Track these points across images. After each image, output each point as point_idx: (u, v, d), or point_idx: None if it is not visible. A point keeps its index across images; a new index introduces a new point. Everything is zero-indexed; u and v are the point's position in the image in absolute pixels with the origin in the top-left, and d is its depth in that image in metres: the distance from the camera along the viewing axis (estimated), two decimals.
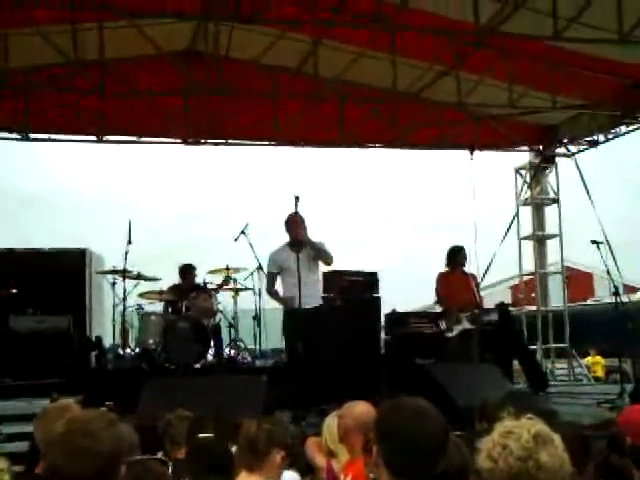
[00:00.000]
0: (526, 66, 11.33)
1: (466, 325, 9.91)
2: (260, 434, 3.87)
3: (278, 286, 9.04)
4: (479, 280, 11.32)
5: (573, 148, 14.35)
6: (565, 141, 14.35)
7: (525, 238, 14.84)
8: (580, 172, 14.01)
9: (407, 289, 10.80)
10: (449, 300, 10.13)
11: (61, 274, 11.21)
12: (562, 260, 14.88)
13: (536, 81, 11.60)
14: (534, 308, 14.64)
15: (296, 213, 8.69)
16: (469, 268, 12.87)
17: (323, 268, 9.21)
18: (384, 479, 2.58)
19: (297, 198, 8.55)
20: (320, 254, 8.81)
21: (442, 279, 10.30)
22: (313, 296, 8.82)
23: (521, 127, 14.04)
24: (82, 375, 9.46)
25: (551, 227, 15.03)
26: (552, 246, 15.06)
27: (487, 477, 2.64)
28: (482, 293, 14.21)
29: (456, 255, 10.36)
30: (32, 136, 12.29)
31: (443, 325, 10.05)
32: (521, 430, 2.58)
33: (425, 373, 8.64)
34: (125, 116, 12.21)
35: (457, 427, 6.20)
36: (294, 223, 8.73)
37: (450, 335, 9.92)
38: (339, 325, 10.27)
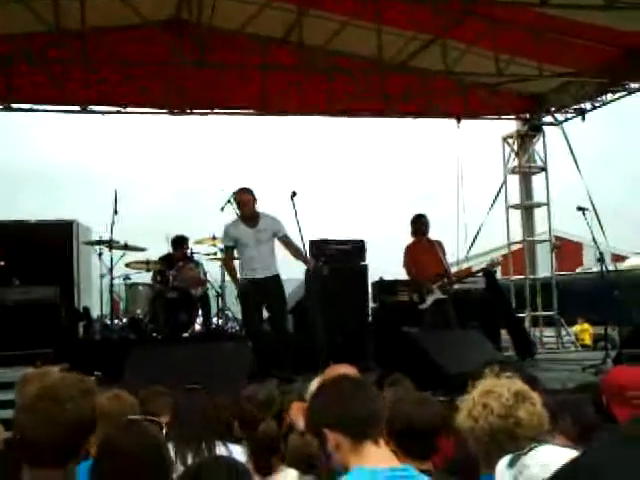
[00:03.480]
0: (513, 34, 11.29)
1: (438, 295, 9.89)
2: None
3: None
4: (466, 248, 11.31)
5: (560, 116, 14.32)
6: (552, 109, 14.32)
7: (513, 207, 14.85)
8: (567, 141, 14.01)
9: (394, 258, 10.74)
10: (418, 272, 10.10)
11: (48, 246, 11.17)
12: (550, 228, 14.90)
13: (523, 49, 11.54)
14: (522, 277, 14.69)
15: (243, 189, 9.03)
16: (457, 238, 12.94)
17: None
18: (347, 454, 2.53)
19: (294, 193, 8.64)
20: (272, 225, 8.98)
21: (408, 252, 10.21)
22: (268, 267, 8.96)
23: (508, 96, 14.00)
24: (70, 345, 9.48)
25: (539, 196, 15.05)
26: (540, 216, 15.10)
27: (467, 435, 2.67)
28: (470, 263, 14.32)
29: (417, 224, 10.27)
30: (14, 106, 12.17)
31: (416, 297, 10.05)
32: (501, 389, 2.63)
33: (412, 340, 8.66)
34: (110, 86, 12.09)
35: (444, 393, 6.27)
36: (243, 201, 8.98)
37: (424, 307, 9.91)
38: (326, 293, 10.30)
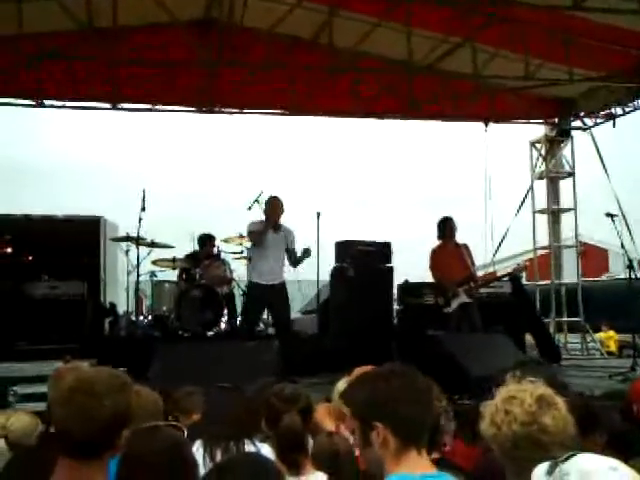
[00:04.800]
0: (543, 38, 11.21)
1: (463, 299, 9.86)
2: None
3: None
4: (493, 251, 11.26)
5: (589, 121, 14.22)
6: (581, 114, 14.22)
7: (539, 212, 14.76)
8: (596, 146, 13.91)
9: (420, 261, 10.73)
10: (444, 275, 10.07)
11: (76, 241, 11.24)
12: (576, 233, 14.80)
13: (553, 53, 11.46)
14: (548, 282, 14.59)
15: (276, 197, 9.48)
16: (484, 242, 12.88)
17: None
18: (390, 456, 2.49)
19: (318, 214, 9.60)
20: (290, 237, 9.57)
21: (434, 255, 10.20)
22: (280, 273, 9.55)
23: (537, 100, 13.93)
24: (95, 341, 9.54)
25: (566, 201, 14.94)
26: (567, 221, 14.99)
27: (490, 443, 2.64)
28: (496, 267, 14.25)
29: (443, 226, 10.25)
30: (47, 102, 12.30)
31: (441, 301, 10.02)
32: (524, 395, 2.58)
33: (437, 343, 8.63)
34: (139, 84, 12.16)
35: (469, 396, 6.24)
36: (274, 206, 9.47)
37: (449, 310, 9.89)
38: (351, 295, 10.30)
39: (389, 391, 2.51)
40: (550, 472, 2.54)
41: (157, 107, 12.91)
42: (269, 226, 9.39)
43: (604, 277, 23.05)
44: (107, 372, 2.62)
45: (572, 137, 14.52)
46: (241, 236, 11.15)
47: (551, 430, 2.52)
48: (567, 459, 2.52)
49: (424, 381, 2.59)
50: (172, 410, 5.13)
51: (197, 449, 3.92)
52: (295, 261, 9.60)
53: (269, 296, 9.45)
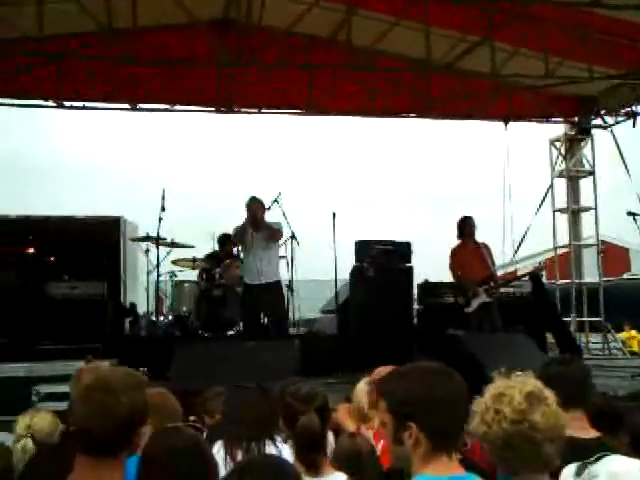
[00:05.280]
0: (562, 35, 11.12)
1: (484, 298, 9.83)
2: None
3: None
4: (513, 251, 11.20)
5: (610, 120, 14.11)
6: (602, 112, 14.12)
7: (559, 210, 14.66)
8: (617, 144, 13.80)
9: (439, 261, 10.71)
10: (464, 274, 10.05)
11: (96, 242, 11.30)
12: (597, 232, 14.69)
13: (572, 51, 11.36)
14: (568, 281, 14.50)
15: (254, 198, 9.47)
16: (503, 241, 12.81)
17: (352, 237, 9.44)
18: (420, 457, 2.47)
19: (334, 215, 9.91)
20: (271, 233, 9.45)
21: (454, 254, 10.21)
22: (270, 272, 9.46)
23: (557, 98, 13.83)
24: (116, 341, 9.58)
25: (586, 200, 14.84)
26: (587, 220, 14.89)
27: (482, 441, 2.61)
28: (516, 266, 14.18)
29: (463, 226, 10.25)
30: (67, 104, 12.36)
31: (461, 300, 10.00)
32: (513, 391, 2.54)
33: (457, 343, 8.61)
34: (158, 85, 12.20)
35: None
36: (252, 208, 9.39)
37: (469, 310, 9.86)
38: (371, 294, 10.28)
39: (429, 392, 2.47)
40: (579, 473, 2.52)
41: (175, 107, 12.93)
42: (245, 227, 9.39)
43: (625, 276, 22.89)
44: (123, 371, 2.68)
45: (592, 136, 14.41)
46: None
47: (542, 427, 2.48)
48: (596, 460, 2.49)
49: (464, 384, 2.54)
50: (198, 410, 5.18)
51: (218, 450, 3.93)
52: (275, 233, 9.53)
53: (261, 296, 9.40)
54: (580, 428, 3.21)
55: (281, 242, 9.92)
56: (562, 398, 3.22)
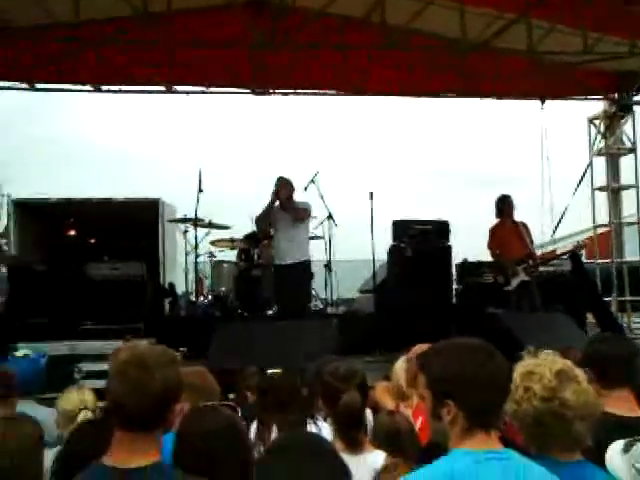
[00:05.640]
0: (601, 10, 10.91)
1: (523, 277, 9.78)
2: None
3: None
4: (551, 230, 11.11)
5: None
6: None
7: (599, 189, 14.47)
8: None
9: (478, 241, 10.67)
10: (503, 253, 10.00)
11: (135, 223, 11.40)
12: (638, 211, 14.47)
13: (611, 25, 11.14)
14: (608, 260, 14.32)
15: (281, 178, 9.34)
16: (541, 220, 12.69)
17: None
18: (457, 433, 2.45)
19: (371, 194, 9.93)
20: (297, 213, 9.31)
21: (493, 233, 10.16)
22: (296, 252, 9.35)
23: (595, 74, 13.58)
24: (156, 321, 9.68)
25: (626, 178, 14.63)
26: (628, 198, 14.66)
27: (511, 419, 2.59)
28: (555, 246, 14.04)
29: (502, 205, 10.20)
30: (104, 88, 12.47)
31: (500, 279, 9.96)
32: (543, 369, 2.54)
33: (496, 321, 8.57)
34: (193, 67, 12.22)
35: None
36: (282, 187, 9.27)
37: (509, 289, 9.81)
38: (410, 274, 10.26)
39: (468, 370, 2.44)
40: (626, 450, 2.49)
41: (211, 89, 12.96)
42: (270, 208, 9.31)
43: None
44: (157, 348, 2.70)
45: (633, 112, 14.17)
46: None
47: (572, 404, 2.48)
48: None
49: (505, 362, 2.50)
50: (239, 387, 5.22)
51: (254, 429, 3.98)
52: (300, 213, 9.40)
53: (288, 276, 9.33)
54: (627, 408, 3.17)
55: (313, 222, 9.83)
56: (607, 377, 3.19)
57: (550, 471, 2.40)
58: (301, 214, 9.37)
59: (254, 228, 11.17)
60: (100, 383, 4.89)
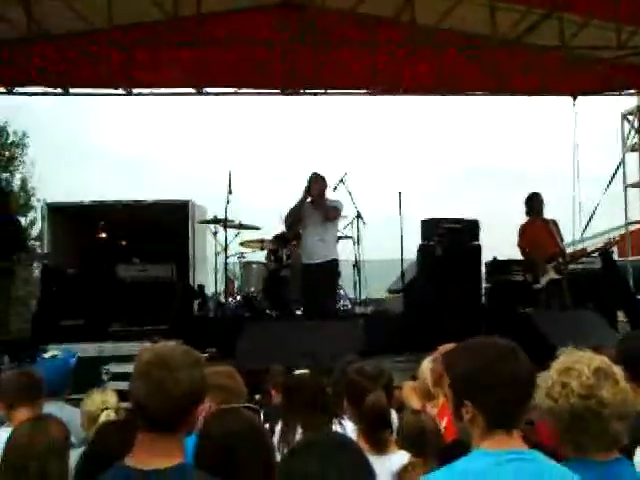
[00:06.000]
0: (635, 3, 10.78)
1: (553, 275, 9.70)
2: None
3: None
4: (582, 228, 11.01)
5: None
6: None
7: (631, 186, 14.32)
8: None
9: (507, 239, 10.61)
10: (533, 251, 9.92)
11: (165, 225, 11.49)
12: None
13: None
14: None
15: (316, 174, 9.26)
16: (572, 218, 12.58)
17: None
18: (477, 433, 2.45)
19: (400, 194, 9.83)
20: (327, 211, 9.21)
21: (523, 231, 10.07)
22: (323, 251, 9.25)
23: (629, 69, 13.41)
24: (185, 322, 9.74)
25: None
26: None
27: (547, 415, 2.57)
28: (586, 243, 13.92)
29: (532, 202, 10.12)
30: (135, 91, 12.63)
31: (530, 277, 9.89)
32: (581, 366, 2.50)
33: (526, 320, 8.52)
34: (223, 69, 12.29)
35: None
36: (315, 182, 9.21)
37: (538, 287, 9.75)
38: (439, 273, 10.23)
39: (489, 370, 2.43)
40: None
41: (242, 91, 13.02)
42: (301, 204, 9.21)
43: None
44: (181, 349, 2.67)
45: None
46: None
47: (610, 402, 2.44)
48: None
49: (528, 362, 2.49)
50: (266, 387, 5.25)
51: (279, 431, 3.99)
52: (331, 213, 9.31)
53: (314, 275, 9.25)
54: None
55: (342, 221, 9.80)
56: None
57: (586, 470, 2.40)
58: (332, 213, 9.32)
59: (283, 229, 11.21)
60: (126, 385, 4.95)
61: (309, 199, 9.22)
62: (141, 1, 10.29)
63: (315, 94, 13.29)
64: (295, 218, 9.41)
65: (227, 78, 12.59)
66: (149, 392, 2.51)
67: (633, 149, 14.33)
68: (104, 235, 12.33)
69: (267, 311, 10.52)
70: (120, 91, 12.57)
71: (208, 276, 12.27)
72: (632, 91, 14.19)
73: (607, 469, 2.47)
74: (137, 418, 2.58)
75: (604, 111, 16.00)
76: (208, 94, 12.87)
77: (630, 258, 14.25)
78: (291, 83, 12.68)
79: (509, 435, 2.41)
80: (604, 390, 2.45)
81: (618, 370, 2.53)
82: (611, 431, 2.45)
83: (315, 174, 9.31)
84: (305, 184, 9.25)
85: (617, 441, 2.50)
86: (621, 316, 11.13)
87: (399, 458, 3.57)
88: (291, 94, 13.06)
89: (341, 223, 10.67)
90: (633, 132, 14.32)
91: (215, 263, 11.30)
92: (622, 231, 14.72)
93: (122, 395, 4.30)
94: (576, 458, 2.50)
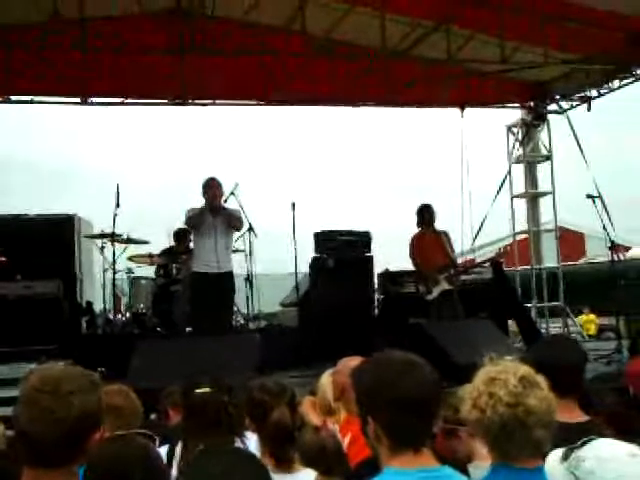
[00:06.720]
0: (519, 20, 11.08)
1: (445, 286, 9.82)
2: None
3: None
4: (471, 237, 11.20)
5: (565, 104, 14.16)
6: (557, 97, 14.16)
7: (517, 196, 14.70)
8: (572, 129, 13.84)
9: (399, 250, 10.71)
10: (424, 263, 10.01)
11: (49, 240, 11.02)
12: (555, 217, 14.76)
13: (529, 36, 11.33)
14: (528, 267, 14.55)
15: (213, 178, 8.99)
16: (461, 228, 12.79)
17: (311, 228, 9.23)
18: (384, 452, 2.37)
19: (293, 205, 9.54)
20: (231, 219, 8.93)
21: (414, 242, 10.17)
22: (226, 261, 9.01)
23: (513, 83, 13.82)
24: (73, 341, 9.39)
25: (543, 185, 14.90)
26: (545, 205, 14.96)
27: (474, 427, 2.52)
28: (475, 254, 14.19)
29: (422, 214, 10.20)
30: (14, 98, 12.10)
31: (422, 289, 9.98)
32: (507, 375, 2.46)
33: (420, 331, 8.56)
34: (109, 78, 11.91)
35: (455, 384, 6.15)
36: (212, 187, 8.92)
37: (430, 298, 9.83)
38: (331, 285, 10.21)
39: (390, 386, 2.36)
40: (565, 458, 2.44)
41: (128, 101, 12.71)
42: (203, 209, 8.86)
43: (582, 261, 23.13)
44: (75, 370, 2.43)
45: (548, 121, 14.45)
46: None
47: (536, 411, 2.41)
48: (583, 445, 2.41)
49: (430, 376, 2.43)
50: (163, 405, 5.05)
51: (179, 451, 3.80)
52: (237, 222, 9.07)
53: (215, 286, 8.89)
54: (577, 414, 3.21)
55: (238, 233, 9.60)
56: (559, 386, 3.14)
57: (510, 476, 2.38)
58: (236, 222, 9.03)
59: (172, 243, 10.95)
60: (10, 410, 4.65)
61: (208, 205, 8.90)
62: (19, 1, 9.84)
63: (204, 104, 13.09)
64: (199, 222, 8.93)
65: (113, 88, 12.21)
66: (35, 419, 2.23)
67: (518, 161, 14.71)
68: None
69: (157, 328, 10.26)
70: None
71: (96, 293, 11.90)
72: (516, 104, 14.60)
73: (531, 476, 2.44)
74: (21, 451, 2.30)
75: (491, 123, 16.46)
76: (93, 104, 12.45)
77: (518, 267, 14.59)
78: (179, 92, 12.41)
79: (417, 452, 2.34)
80: (530, 398, 2.42)
81: (541, 379, 2.50)
82: (534, 439, 2.41)
83: (211, 179, 9.03)
84: (202, 189, 8.97)
85: (540, 449, 2.47)
86: (512, 325, 11.38)
87: (305, 477, 3.47)
88: (179, 104, 12.79)
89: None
90: (517, 144, 14.69)
91: (103, 279, 10.96)
92: (510, 241, 15.08)
93: (7, 422, 4.01)
94: (502, 463, 2.46)
